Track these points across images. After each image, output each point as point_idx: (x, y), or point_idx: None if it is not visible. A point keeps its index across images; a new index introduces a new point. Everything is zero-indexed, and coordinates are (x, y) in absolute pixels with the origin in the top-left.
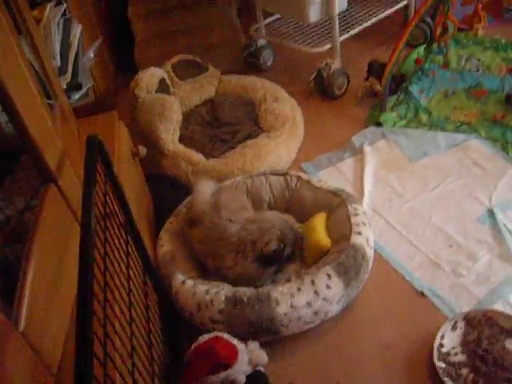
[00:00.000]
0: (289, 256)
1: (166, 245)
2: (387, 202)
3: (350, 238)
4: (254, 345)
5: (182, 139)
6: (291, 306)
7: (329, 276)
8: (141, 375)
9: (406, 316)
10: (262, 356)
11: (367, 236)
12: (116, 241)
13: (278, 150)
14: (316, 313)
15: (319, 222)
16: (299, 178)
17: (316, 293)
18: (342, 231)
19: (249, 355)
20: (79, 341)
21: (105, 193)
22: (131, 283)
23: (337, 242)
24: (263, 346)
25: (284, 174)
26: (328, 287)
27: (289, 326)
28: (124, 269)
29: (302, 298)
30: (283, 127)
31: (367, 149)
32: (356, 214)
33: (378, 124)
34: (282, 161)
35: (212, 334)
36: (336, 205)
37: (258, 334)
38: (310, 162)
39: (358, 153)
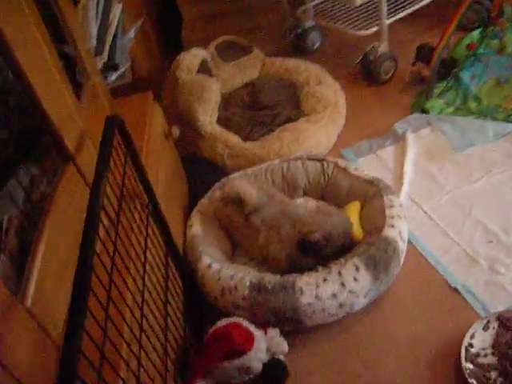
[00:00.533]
0: (330, 256)
1: (196, 226)
2: (427, 192)
3: (382, 231)
4: (274, 332)
5: (221, 121)
6: (316, 297)
7: (357, 268)
8: (148, 357)
9: (436, 312)
10: (281, 344)
11: (401, 229)
12: (134, 222)
13: (318, 135)
14: (341, 305)
15: (353, 211)
16: (336, 164)
17: (342, 285)
18: (375, 222)
19: (268, 343)
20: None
21: (123, 173)
22: (148, 266)
23: (369, 233)
24: (285, 334)
25: (321, 160)
26: (355, 280)
27: (312, 317)
28: (139, 250)
29: (328, 289)
30: (324, 111)
31: (410, 136)
32: (391, 206)
33: (424, 111)
34: (320, 146)
35: (230, 319)
36: (372, 195)
37: (280, 323)
38: (349, 148)
39: (400, 140)
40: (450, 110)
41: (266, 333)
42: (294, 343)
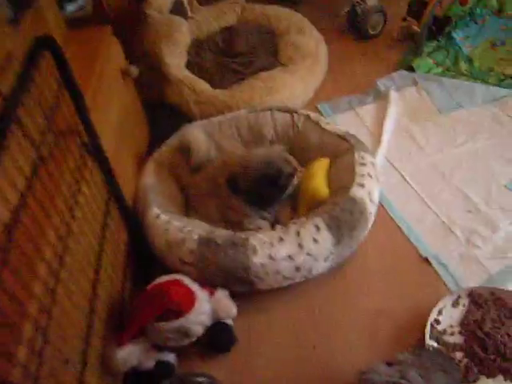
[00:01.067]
0: (253, 189)
1: (149, 175)
2: (406, 154)
3: (350, 190)
4: (222, 294)
5: (190, 66)
6: (269, 257)
7: (317, 228)
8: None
9: (404, 283)
10: (229, 307)
11: (371, 189)
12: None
13: (293, 86)
14: (298, 268)
15: (320, 168)
16: (308, 117)
17: (300, 246)
18: (343, 181)
19: (213, 305)
20: None
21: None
22: (79, 211)
23: (336, 192)
24: (235, 297)
25: (292, 112)
26: (315, 241)
27: (265, 279)
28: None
29: (283, 250)
30: (303, 62)
31: (393, 94)
32: (363, 164)
33: (410, 69)
34: (296, 99)
35: (171, 276)
36: (342, 151)
37: (230, 283)
38: (326, 103)
39: (383, 98)
40: (439, 70)
41: (212, 294)
42: (245, 307)
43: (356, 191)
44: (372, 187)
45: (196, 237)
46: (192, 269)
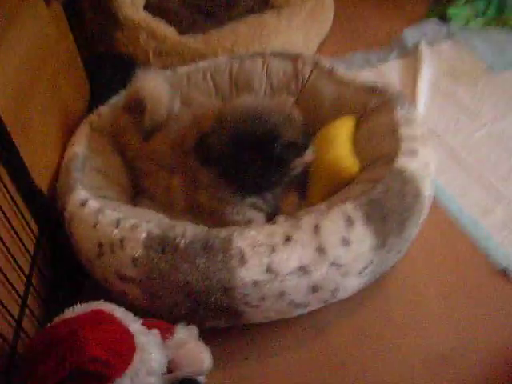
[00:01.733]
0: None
1: (79, 144)
2: (452, 122)
3: (394, 160)
4: (186, 333)
5: (150, 8)
6: (268, 270)
7: (349, 221)
8: None
9: (474, 307)
10: (198, 356)
11: (427, 160)
12: None
13: (291, 33)
14: (315, 288)
15: (342, 130)
16: (317, 64)
17: (320, 250)
18: (381, 148)
19: (172, 354)
20: None
21: None
22: None
23: (370, 165)
24: (211, 336)
25: (294, 58)
26: (345, 242)
27: (260, 308)
28: None
29: (292, 256)
30: (303, 4)
31: (425, 49)
32: (409, 122)
33: (443, 19)
34: (294, 50)
35: (93, 306)
36: (373, 107)
37: (201, 314)
38: (336, 60)
39: (411, 54)
40: (479, 21)
41: (170, 335)
42: (227, 353)
43: (406, 162)
44: (428, 156)
45: (143, 235)
46: (135, 289)
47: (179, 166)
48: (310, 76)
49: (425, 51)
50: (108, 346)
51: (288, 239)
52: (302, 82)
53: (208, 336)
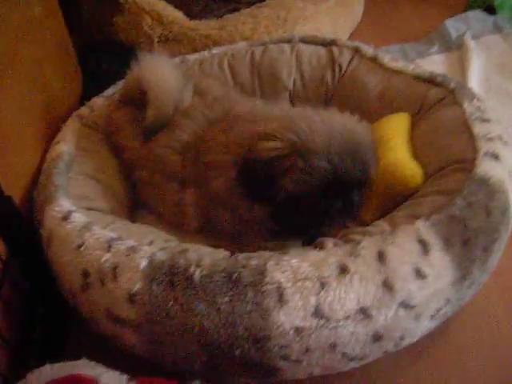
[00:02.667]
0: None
1: (65, 143)
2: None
3: (475, 165)
4: None
5: None
6: (316, 314)
7: (424, 246)
8: None
9: None
10: None
11: (509, 164)
12: None
13: (318, 19)
14: (377, 337)
15: (398, 130)
16: (357, 51)
17: (388, 286)
18: (449, 151)
19: None
20: None
21: None
22: None
23: (436, 173)
24: None
25: (328, 44)
26: (419, 275)
27: (301, 363)
28: None
29: (350, 296)
30: None
31: (470, 43)
32: (483, 119)
33: (489, 10)
34: None
35: (64, 369)
36: (433, 101)
37: (220, 370)
38: None
39: (455, 48)
40: None
41: None
42: None
43: (489, 167)
44: (509, 160)
45: (144, 263)
46: (132, 334)
47: (194, 178)
48: (349, 64)
49: (470, 45)
50: None
51: (343, 271)
52: (340, 71)
53: None
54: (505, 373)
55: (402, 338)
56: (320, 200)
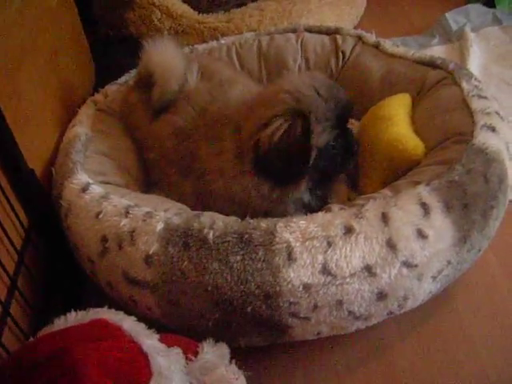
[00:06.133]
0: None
1: (81, 125)
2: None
3: (472, 136)
4: (211, 353)
5: None
6: (323, 271)
7: (425, 208)
8: None
9: None
10: (228, 380)
11: (507, 137)
12: None
13: (322, 12)
14: (382, 295)
15: (399, 108)
16: (360, 38)
17: (391, 245)
18: (448, 126)
19: (193, 380)
20: None
21: None
22: None
23: (437, 146)
24: (245, 356)
25: (331, 31)
26: (420, 235)
27: (310, 320)
28: None
29: (355, 254)
30: None
31: (470, 35)
32: (481, 97)
33: (488, 4)
34: None
35: (87, 315)
36: (433, 82)
37: (232, 328)
38: None
39: (455, 39)
40: None
41: (194, 355)
42: (265, 378)
43: (486, 138)
44: (508, 135)
45: (160, 226)
46: (148, 295)
47: (189, 168)
48: (352, 51)
49: (471, 36)
50: (112, 369)
51: (349, 231)
52: (344, 57)
53: (242, 357)
54: (505, 334)
55: (405, 298)
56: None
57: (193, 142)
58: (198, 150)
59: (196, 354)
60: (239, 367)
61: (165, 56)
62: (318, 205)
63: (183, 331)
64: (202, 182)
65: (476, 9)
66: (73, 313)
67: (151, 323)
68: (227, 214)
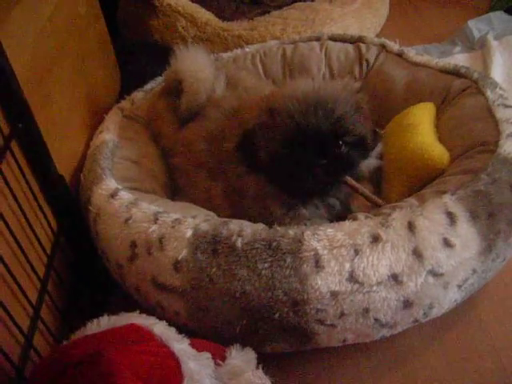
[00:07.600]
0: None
1: (108, 132)
2: None
3: (498, 145)
4: (238, 358)
5: None
6: (350, 279)
7: (451, 218)
8: None
9: None
10: None
11: None
12: None
13: (345, 21)
14: (407, 304)
15: (424, 117)
16: (383, 47)
17: (417, 254)
18: (473, 135)
19: (222, 381)
20: None
21: None
22: None
23: (462, 155)
24: (272, 362)
25: (356, 41)
26: (447, 244)
27: (336, 327)
28: None
29: (382, 262)
30: None
31: (492, 42)
32: (506, 105)
33: (510, 11)
34: None
35: (120, 319)
36: (457, 91)
37: (259, 334)
38: None
39: (477, 48)
40: None
41: (222, 359)
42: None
43: (511, 148)
44: None
45: (189, 232)
46: (177, 301)
47: (219, 169)
48: (376, 59)
49: (493, 44)
50: (145, 373)
51: (376, 239)
52: (368, 66)
53: (268, 363)
54: None
55: (430, 307)
56: (299, 156)
57: (223, 149)
58: (228, 154)
59: (224, 358)
60: (265, 373)
61: (195, 65)
62: (334, 210)
63: (210, 336)
64: (234, 184)
65: (498, 17)
66: (105, 317)
67: (178, 328)
68: (255, 214)
